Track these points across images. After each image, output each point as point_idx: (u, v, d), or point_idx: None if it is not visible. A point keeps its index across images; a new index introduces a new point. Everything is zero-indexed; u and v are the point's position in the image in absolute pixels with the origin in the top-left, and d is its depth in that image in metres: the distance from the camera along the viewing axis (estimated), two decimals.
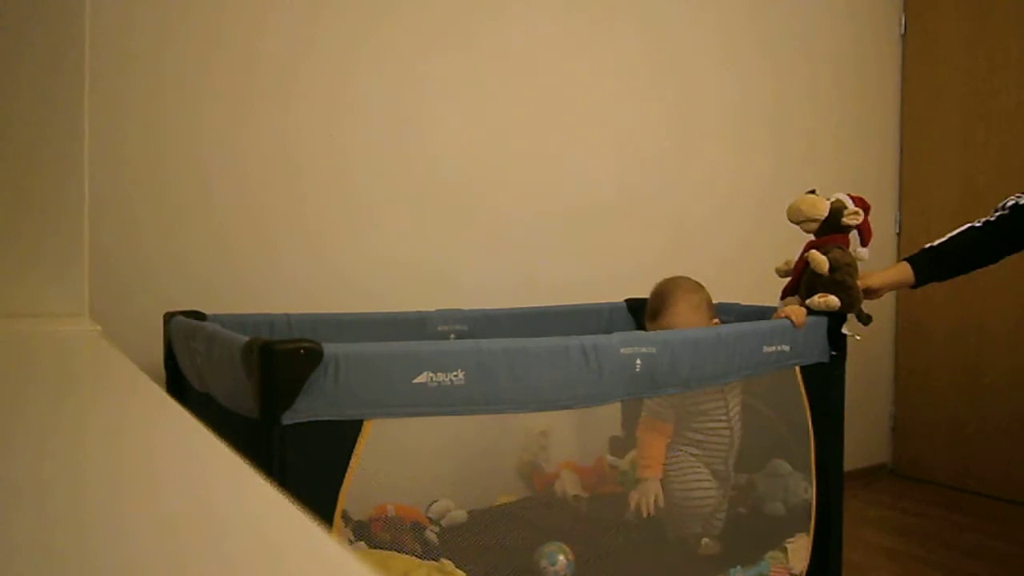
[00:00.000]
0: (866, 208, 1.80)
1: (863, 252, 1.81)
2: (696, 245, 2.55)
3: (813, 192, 1.81)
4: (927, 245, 1.85)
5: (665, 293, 1.76)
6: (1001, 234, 1.77)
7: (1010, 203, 1.78)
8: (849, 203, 1.77)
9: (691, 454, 1.66)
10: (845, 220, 1.75)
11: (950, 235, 1.83)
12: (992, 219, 1.79)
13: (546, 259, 2.24)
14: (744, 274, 2.28)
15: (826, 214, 1.75)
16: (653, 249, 2.42)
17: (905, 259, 1.85)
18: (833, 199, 1.78)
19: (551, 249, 2.26)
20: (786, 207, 1.81)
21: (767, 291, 1.88)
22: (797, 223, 1.80)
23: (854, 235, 1.80)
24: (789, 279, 1.83)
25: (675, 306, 1.72)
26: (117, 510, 0.31)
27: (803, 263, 1.77)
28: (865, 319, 1.75)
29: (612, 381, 1.29)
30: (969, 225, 1.82)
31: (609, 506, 1.85)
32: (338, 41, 1.93)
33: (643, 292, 2.21)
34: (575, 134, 2.32)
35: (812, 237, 1.80)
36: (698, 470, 1.66)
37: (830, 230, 1.77)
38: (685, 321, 1.70)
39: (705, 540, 1.65)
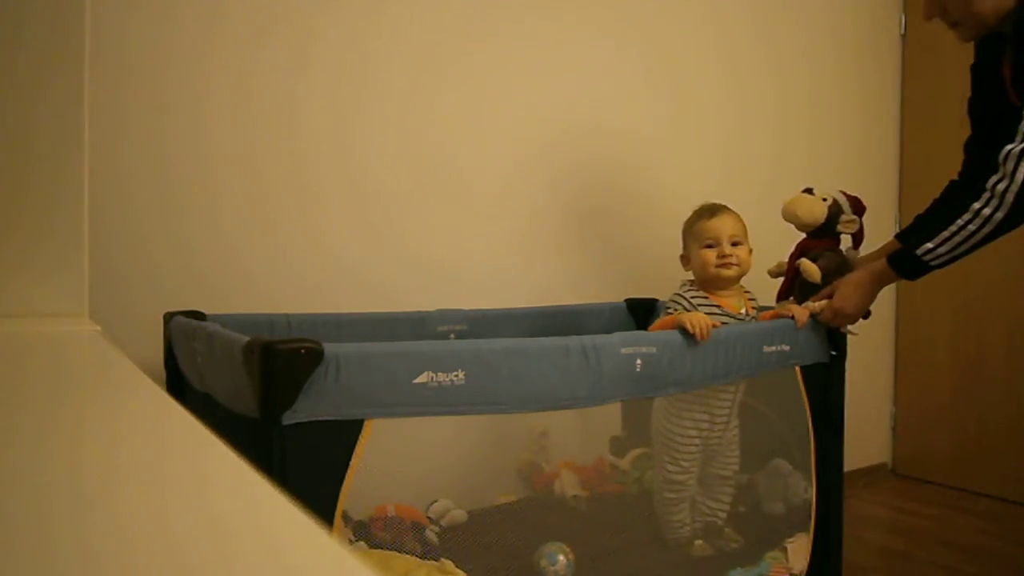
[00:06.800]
0: (862, 211, 1.79)
1: (855, 254, 1.80)
2: None
3: (810, 191, 1.80)
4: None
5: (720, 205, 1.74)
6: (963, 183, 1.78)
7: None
8: (846, 206, 1.76)
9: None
10: (840, 228, 1.75)
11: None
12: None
13: (547, 259, 2.24)
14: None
15: (823, 220, 1.75)
16: (653, 249, 2.42)
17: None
18: (830, 200, 1.77)
19: (552, 249, 2.25)
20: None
21: (765, 291, 1.88)
22: (791, 223, 1.80)
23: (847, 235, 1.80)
24: (783, 280, 1.83)
25: (732, 214, 1.71)
26: (117, 510, 0.31)
27: (795, 266, 1.77)
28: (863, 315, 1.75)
29: (612, 381, 1.29)
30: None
31: (609, 506, 1.85)
32: (344, 36, 1.92)
33: (643, 292, 2.22)
34: (574, 135, 2.32)
35: (804, 234, 1.80)
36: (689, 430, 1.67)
37: (823, 233, 1.76)
38: (741, 226, 1.71)
39: (698, 542, 1.65)
